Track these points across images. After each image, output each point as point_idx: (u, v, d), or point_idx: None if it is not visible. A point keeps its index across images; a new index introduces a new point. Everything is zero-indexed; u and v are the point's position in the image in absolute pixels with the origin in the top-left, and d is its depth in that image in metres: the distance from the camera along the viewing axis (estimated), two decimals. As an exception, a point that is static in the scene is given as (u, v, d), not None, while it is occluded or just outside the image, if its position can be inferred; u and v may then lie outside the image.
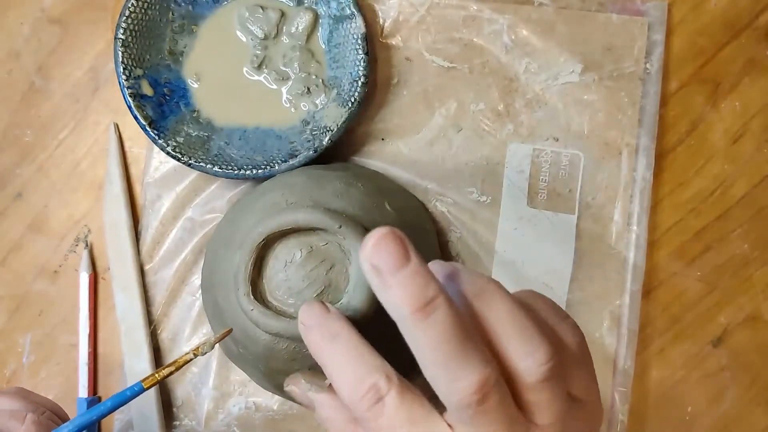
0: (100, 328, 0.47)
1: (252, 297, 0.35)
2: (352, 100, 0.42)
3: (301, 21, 0.45)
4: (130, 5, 0.43)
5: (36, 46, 0.49)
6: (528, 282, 0.44)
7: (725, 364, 0.45)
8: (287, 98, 0.45)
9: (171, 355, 0.46)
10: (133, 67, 0.43)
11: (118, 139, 0.48)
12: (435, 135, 0.45)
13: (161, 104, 0.44)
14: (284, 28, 0.45)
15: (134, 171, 0.48)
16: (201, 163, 0.43)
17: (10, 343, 0.48)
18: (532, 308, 0.26)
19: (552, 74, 0.45)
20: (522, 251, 0.44)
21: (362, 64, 0.42)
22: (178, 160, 0.43)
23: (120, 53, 0.43)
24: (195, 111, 0.45)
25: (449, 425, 0.24)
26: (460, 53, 0.45)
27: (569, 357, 0.25)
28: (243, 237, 0.36)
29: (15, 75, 0.49)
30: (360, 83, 0.42)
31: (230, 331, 0.35)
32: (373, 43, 0.46)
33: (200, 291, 0.45)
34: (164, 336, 0.46)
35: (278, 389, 0.41)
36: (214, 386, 0.46)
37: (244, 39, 0.45)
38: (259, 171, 0.42)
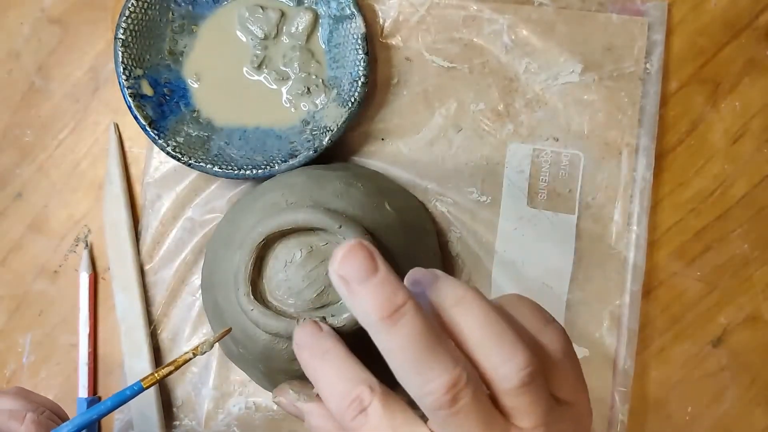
0: (100, 328, 0.47)
1: (252, 297, 0.35)
2: (352, 100, 0.42)
3: (301, 21, 0.45)
4: (130, 5, 0.43)
5: (36, 46, 0.49)
6: (528, 282, 0.44)
7: (725, 364, 0.45)
8: (287, 98, 0.45)
9: (171, 355, 0.46)
10: (133, 67, 0.43)
11: (118, 139, 0.48)
12: (435, 135, 0.45)
13: (161, 104, 0.44)
14: (284, 28, 0.45)
15: (134, 171, 0.48)
16: (201, 163, 0.43)
17: (10, 343, 0.48)
18: (514, 314, 0.26)
19: (552, 74, 0.45)
20: (522, 251, 0.44)
21: (362, 64, 0.42)
22: (178, 160, 0.43)
23: (120, 53, 0.43)
24: (195, 111, 0.45)
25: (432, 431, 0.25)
26: (460, 53, 0.45)
27: (552, 360, 0.26)
28: (243, 237, 0.36)
29: (15, 75, 0.49)
30: (360, 83, 0.42)
31: (229, 330, 0.35)
32: (373, 43, 0.46)
33: (200, 291, 0.45)
34: (164, 336, 0.46)
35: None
36: (214, 386, 0.46)
37: (244, 39, 0.45)
38: (259, 171, 0.42)
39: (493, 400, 0.24)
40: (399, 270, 0.41)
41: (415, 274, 0.26)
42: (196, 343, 0.45)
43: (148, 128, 0.43)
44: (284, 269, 0.35)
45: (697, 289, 0.45)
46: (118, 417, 0.46)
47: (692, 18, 0.46)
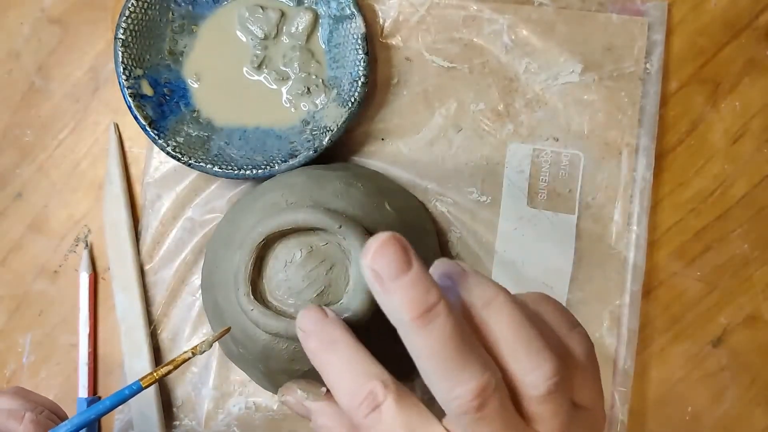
0: (100, 328, 0.47)
1: (252, 297, 0.35)
2: (352, 100, 0.42)
3: (301, 21, 0.45)
4: (130, 5, 0.43)
5: (36, 46, 0.49)
6: (528, 282, 0.44)
7: (725, 364, 0.45)
8: (287, 98, 0.45)
9: (171, 355, 0.46)
10: (133, 67, 0.43)
11: (118, 139, 0.48)
12: (435, 135, 0.45)
13: (161, 104, 0.44)
14: (284, 28, 0.45)
15: (134, 171, 0.48)
16: (201, 163, 0.43)
17: (10, 343, 0.48)
18: (541, 316, 0.26)
19: (552, 74, 0.45)
20: (522, 251, 0.44)
21: (362, 64, 0.42)
22: (178, 160, 0.43)
23: (120, 53, 0.43)
24: (195, 111, 0.45)
25: (448, 431, 0.24)
26: (460, 53, 0.45)
27: (576, 366, 0.25)
28: (243, 237, 0.36)
29: (15, 75, 0.49)
30: (360, 83, 0.42)
31: (229, 329, 0.35)
32: (373, 43, 0.46)
33: (200, 291, 0.45)
34: (164, 336, 0.46)
35: (278, 389, 0.41)
36: (214, 386, 0.46)
37: (244, 39, 0.45)
38: (259, 171, 0.42)
39: (515, 402, 0.24)
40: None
41: (443, 266, 0.25)
42: (196, 343, 0.45)
43: (148, 128, 0.43)
44: (284, 269, 0.35)
45: (697, 289, 0.45)
46: (118, 417, 0.46)
47: (692, 18, 0.45)
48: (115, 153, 0.47)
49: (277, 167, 0.42)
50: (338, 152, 0.45)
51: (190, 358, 0.34)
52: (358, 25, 0.43)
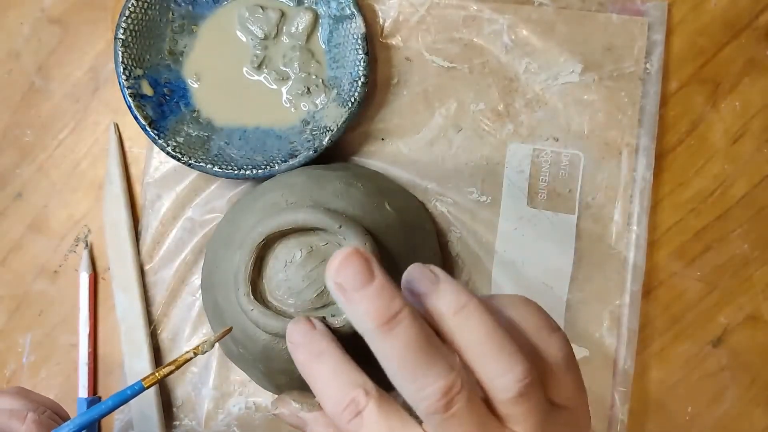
0: (100, 328, 0.47)
1: (252, 297, 0.35)
2: (352, 100, 0.42)
3: (301, 21, 0.45)
4: (130, 5, 0.43)
5: (36, 46, 0.49)
6: (528, 282, 0.44)
7: (725, 364, 0.45)
8: (287, 98, 0.45)
9: (171, 355, 0.46)
10: (133, 67, 0.43)
11: (118, 139, 0.48)
12: (435, 135, 0.45)
13: (161, 104, 0.44)
14: (284, 28, 0.45)
15: (134, 171, 0.48)
16: (201, 163, 0.43)
17: (10, 343, 0.48)
18: (517, 318, 0.27)
19: (552, 74, 0.45)
20: (522, 251, 0.44)
21: (362, 64, 0.42)
22: (178, 160, 0.43)
23: (120, 53, 0.43)
24: (195, 111, 0.45)
25: None
26: (460, 53, 0.45)
27: (552, 367, 0.26)
28: (243, 237, 0.36)
29: (15, 75, 0.49)
30: (360, 83, 0.42)
31: (230, 329, 0.35)
32: (373, 43, 0.46)
33: (200, 291, 0.45)
34: (164, 336, 0.46)
35: (278, 389, 0.41)
36: (214, 386, 0.46)
37: (244, 39, 0.45)
38: (259, 171, 0.42)
39: (490, 406, 0.25)
40: (399, 270, 0.41)
41: (414, 272, 0.26)
42: (196, 343, 0.45)
43: (148, 128, 0.43)
44: (284, 269, 0.35)
45: (697, 289, 0.45)
46: (118, 417, 0.46)
47: (692, 18, 0.45)
48: (115, 153, 0.47)
49: (277, 167, 0.42)
50: (338, 152, 0.45)
51: (191, 359, 0.34)
52: (358, 25, 0.43)
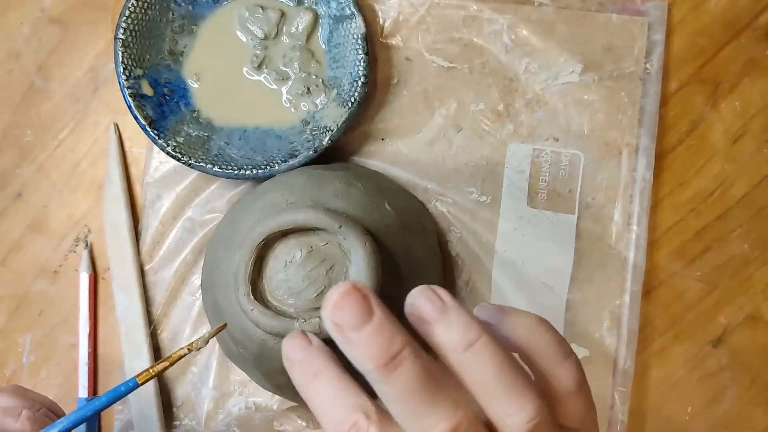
0: (100, 328, 0.47)
1: (252, 297, 0.35)
2: (352, 100, 0.42)
3: (301, 21, 0.45)
4: (130, 5, 0.43)
5: (36, 46, 0.49)
6: (528, 282, 0.44)
7: (725, 364, 0.45)
8: (287, 98, 0.45)
9: (171, 355, 0.46)
10: (133, 67, 0.43)
11: (118, 139, 0.48)
12: (435, 135, 0.45)
13: (161, 104, 0.44)
14: (284, 28, 0.45)
15: (134, 171, 0.48)
16: (201, 163, 0.43)
17: (10, 343, 0.48)
18: (531, 348, 0.26)
19: (552, 74, 0.45)
20: (522, 251, 0.44)
21: (362, 64, 0.42)
22: (178, 160, 0.43)
23: (120, 53, 0.43)
24: (195, 111, 0.45)
25: None
26: (460, 53, 0.45)
27: (564, 393, 0.26)
28: (243, 237, 0.36)
29: (15, 75, 0.49)
30: (360, 83, 0.42)
31: (224, 326, 0.35)
32: (373, 43, 0.46)
33: (200, 291, 0.45)
34: (164, 336, 0.46)
35: (278, 389, 0.41)
36: (214, 386, 0.46)
37: (244, 39, 0.45)
38: (259, 171, 0.42)
39: None
40: (399, 270, 0.41)
41: (419, 296, 0.25)
42: (196, 343, 0.45)
43: (148, 128, 0.43)
44: (284, 269, 0.35)
45: (697, 289, 0.45)
46: (118, 417, 0.46)
47: (692, 18, 0.45)
48: (115, 153, 0.47)
49: (277, 167, 0.42)
50: (338, 152, 0.45)
51: (185, 355, 0.34)
52: (358, 25, 0.43)
